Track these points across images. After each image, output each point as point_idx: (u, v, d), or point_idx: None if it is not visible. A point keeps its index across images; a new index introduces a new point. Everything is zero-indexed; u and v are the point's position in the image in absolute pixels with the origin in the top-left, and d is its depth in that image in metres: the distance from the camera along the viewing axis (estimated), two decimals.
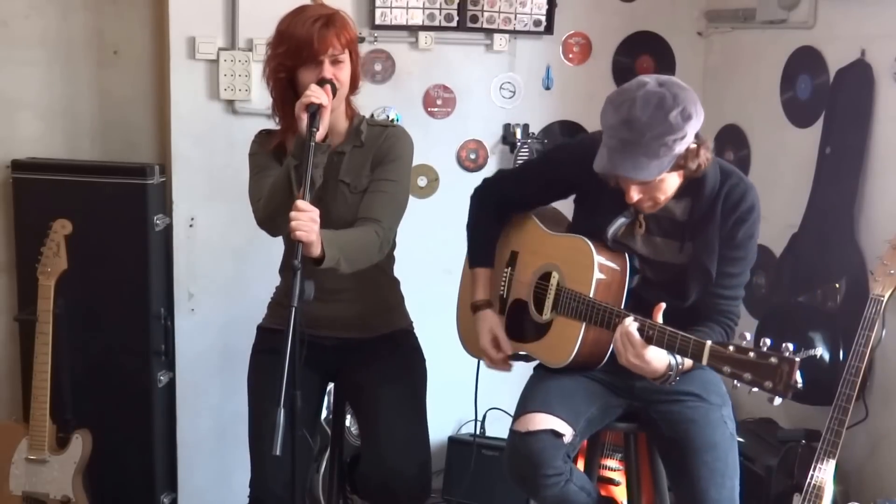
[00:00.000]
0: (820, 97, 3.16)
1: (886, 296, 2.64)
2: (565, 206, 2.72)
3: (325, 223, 2.43)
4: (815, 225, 3.10)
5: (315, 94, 2.39)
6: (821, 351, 2.91)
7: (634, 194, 2.32)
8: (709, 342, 2.15)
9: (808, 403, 3.03)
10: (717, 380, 2.55)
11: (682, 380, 2.47)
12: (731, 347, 2.11)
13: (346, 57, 2.55)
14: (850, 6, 3.05)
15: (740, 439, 2.65)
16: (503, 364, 2.66)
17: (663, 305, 2.28)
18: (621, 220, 2.45)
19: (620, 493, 3.06)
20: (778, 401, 2.06)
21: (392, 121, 3.50)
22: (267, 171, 2.61)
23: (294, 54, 2.51)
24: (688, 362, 2.30)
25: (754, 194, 2.41)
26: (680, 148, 2.24)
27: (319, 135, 2.38)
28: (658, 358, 2.27)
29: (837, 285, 2.96)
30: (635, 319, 2.28)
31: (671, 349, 2.23)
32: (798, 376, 2.02)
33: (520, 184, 2.73)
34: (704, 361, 2.15)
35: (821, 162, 3.10)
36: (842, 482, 2.81)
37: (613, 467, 3.13)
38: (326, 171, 2.57)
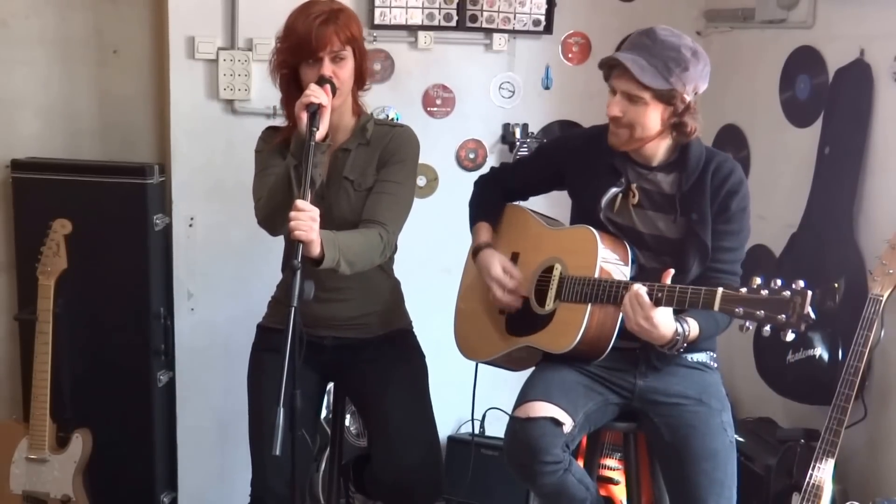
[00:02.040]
0: (819, 97, 3.16)
1: (885, 295, 2.65)
2: (563, 209, 2.73)
3: (328, 220, 2.44)
4: (814, 225, 3.10)
5: (314, 93, 2.39)
6: (820, 350, 2.92)
7: (615, 107, 2.41)
8: (720, 289, 2.21)
9: (807, 403, 3.04)
10: (718, 384, 2.56)
11: (682, 383, 2.49)
12: (743, 290, 2.18)
13: (347, 54, 2.54)
14: (849, 6, 3.06)
15: (740, 438, 2.65)
16: (514, 295, 2.63)
17: (672, 270, 2.32)
18: (613, 190, 2.52)
19: (620, 492, 3.07)
20: (791, 336, 2.11)
21: (393, 120, 3.50)
22: (270, 170, 2.62)
23: (295, 51, 2.52)
24: (693, 331, 2.34)
25: (741, 172, 2.51)
26: (675, 80, 2.35)
27: (319, 134, 2.38)
28: (665, 323, 2.30)
29: (836, 285, 2.96)
30: (644, 284, 2.31)
31: (682, 304, 2.27)
32: (811, 308, 2.09)
33: (516, 174, 2.85)
34: (717, 307, 2.21)
35: (820, 162, 3.10)
36: (841, 481, 2.81)
37: (613, 466, 3.13)
38: (331, 168, 2.59)
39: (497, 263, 2.65)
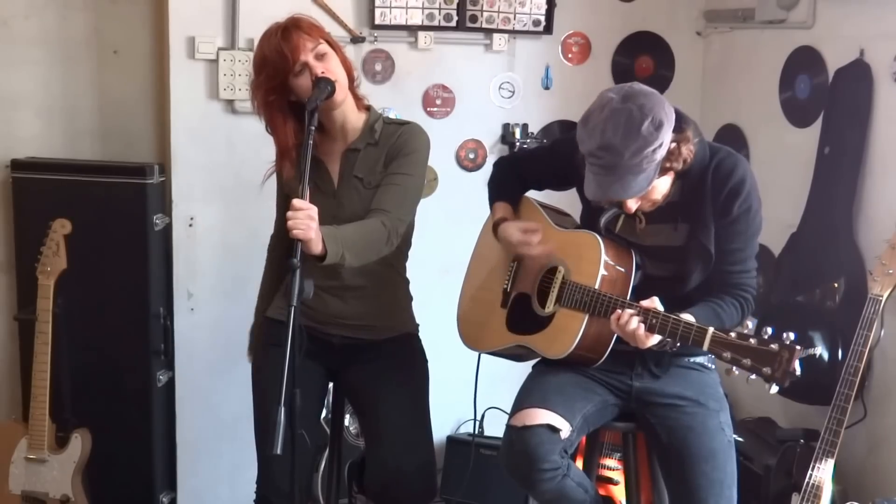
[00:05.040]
0: (819, 97, 3.16)
1: (885, 295, 2.64)
2: (573, 202, 2.73)
3: (340, 219, 2.47)
4: (813, 225, 3.10)
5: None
6: (819, 350, 2.91)
7: (632, 204, 2.36)
8: (711, 329, 2.18)
9: (806, 403, 3.04)
10: (716, 384, 2.55)
11: (679, 384, 2.48)
12: (732, 334, 2.15)
13: (325, 48, 2.54)
14: (849, 6, 3.06)
15: (739, 438, 2.65)
16: (544, 247, 2.59)
17: (655, 299, 2.30)
18: (612, 211, 2.45)
19: (619, 492, 3.06)
20: (775, 389, 2.09)
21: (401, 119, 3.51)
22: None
23: (275, 73, 2.51)
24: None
25: (744, 167, 2.40)
26: (661, 154, 2.26)
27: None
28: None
29: (836, 285, 2.96)
30: (638, 313, 2.28)
31: (674, 336, 2.24)
32: (797, 365, 2.06)
33: (531, 167, 2.78)
34: (706, 347, 2.18)
35: (819, 162, 3.11)
36: (840, 482, 2.81)
37: (612, 466, 3.13)
38: (341, 167, 2.63)
39: (515, 231, 2.62)
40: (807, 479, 2.64)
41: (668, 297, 2.34)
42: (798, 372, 2.06)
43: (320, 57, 2.52)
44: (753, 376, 2.11)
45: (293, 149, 2.57)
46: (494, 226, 2.71)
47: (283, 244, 2.60)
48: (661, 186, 2.36)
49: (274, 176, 2.75)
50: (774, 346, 2.08)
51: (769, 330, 2.11)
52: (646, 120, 2.21)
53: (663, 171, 2.30)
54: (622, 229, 2.50)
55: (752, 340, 2.11)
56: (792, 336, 2.08)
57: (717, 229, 2.40)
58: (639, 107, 2.22)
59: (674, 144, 2.28)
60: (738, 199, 2.37)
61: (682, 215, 2.43)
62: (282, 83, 2.52)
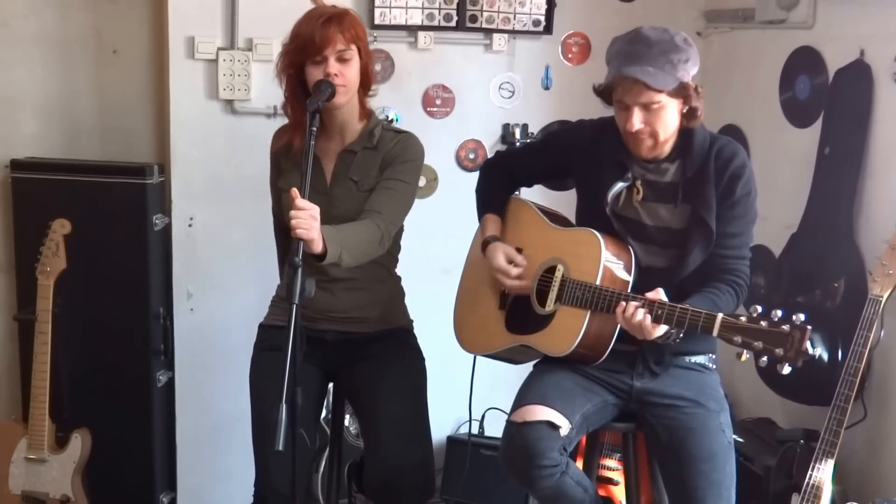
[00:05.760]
0: (819, 97, 3.16)
1: (885, 296, 2.65)
2: (570, 204, 2.73)
3: (331, 217, 2.49)
4: (813, 225, 3.10)
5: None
6: (819, 351, 2.92)
7: (636, 120, 2.39)
8: (720, 315, 2.20)
9: (806, 403, 3.04)
10: (716, 384, 2.56)
11: (680, 385, 2.48)
12: (742, 318, 2.17)
13: (352, 54, 2.58)
14: (849, 6, 3.06)
15: (739, 439, 2.64)
16: (521, 281, 2.62)
17: (661, 290, 2.32)
18: (619, 185, 2.50)
19: (619, 492, 3.07)
20: (788, 369, 2.11)
21: (391, 121, 3.53)
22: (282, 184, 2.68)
23: (300, 51, 2.57)
24: None
25: (744, 154, 2.49)
26: (682, 73, 2.35)
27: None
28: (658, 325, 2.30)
29: (836, 285, 2.96)
30: (643, 304, 2.29)
31: (681, 325, 2.25)
32: (809, 344, 2.09)
33: (523, 162, 2.82)
34: (715, 333, 2.20)
35: (820, 162, 3.10)
36: (840, 482, 2.81)
37: (612, 467, 3.13)
38: (337, 168, 2.67)
39: (501, 255, 2.64)
40: (807, 480, 2.64)
41: (665, 286, 2.35)
42: (811, 351, 2.09)
43: (343, 60, 2.56)
44: (765, 359, 2.13)
45: (299, 118, 2.62)
46: (484, 243, 2.71)
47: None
48: (669, 117, 2.40)
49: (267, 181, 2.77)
50: (786, 327, 2.11)
51: (779, 312, 2.14)
52: (680, 35, 2.40)
53: (677, 94, 2.37)
54: (624, 205, 2.51)
55: (763, 323, 2.14)
56: (802, 317, 2.11)
57: (718, 213, 2.43)
58: (675, 31, 2.42)
59: (695, 85, 2.38)
60: (740, 181, 2.43)
61: (684, 195, 2.46)
62: (302, 63, 2.58)
